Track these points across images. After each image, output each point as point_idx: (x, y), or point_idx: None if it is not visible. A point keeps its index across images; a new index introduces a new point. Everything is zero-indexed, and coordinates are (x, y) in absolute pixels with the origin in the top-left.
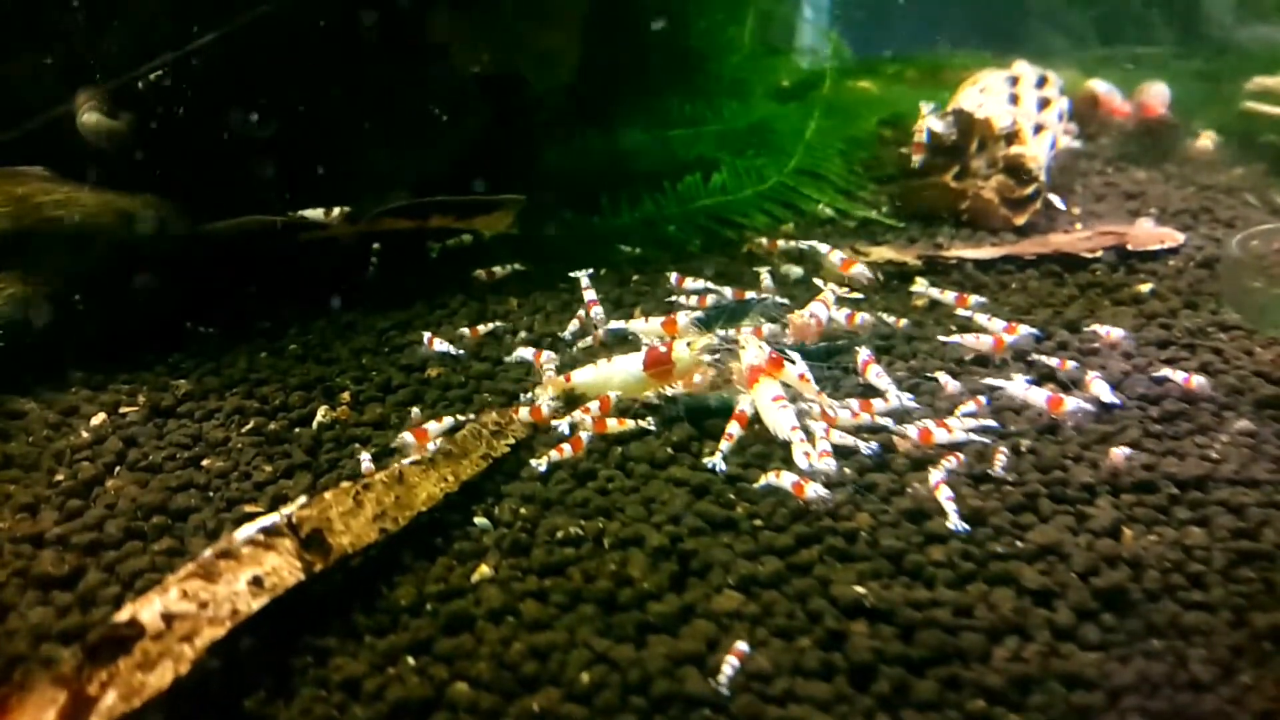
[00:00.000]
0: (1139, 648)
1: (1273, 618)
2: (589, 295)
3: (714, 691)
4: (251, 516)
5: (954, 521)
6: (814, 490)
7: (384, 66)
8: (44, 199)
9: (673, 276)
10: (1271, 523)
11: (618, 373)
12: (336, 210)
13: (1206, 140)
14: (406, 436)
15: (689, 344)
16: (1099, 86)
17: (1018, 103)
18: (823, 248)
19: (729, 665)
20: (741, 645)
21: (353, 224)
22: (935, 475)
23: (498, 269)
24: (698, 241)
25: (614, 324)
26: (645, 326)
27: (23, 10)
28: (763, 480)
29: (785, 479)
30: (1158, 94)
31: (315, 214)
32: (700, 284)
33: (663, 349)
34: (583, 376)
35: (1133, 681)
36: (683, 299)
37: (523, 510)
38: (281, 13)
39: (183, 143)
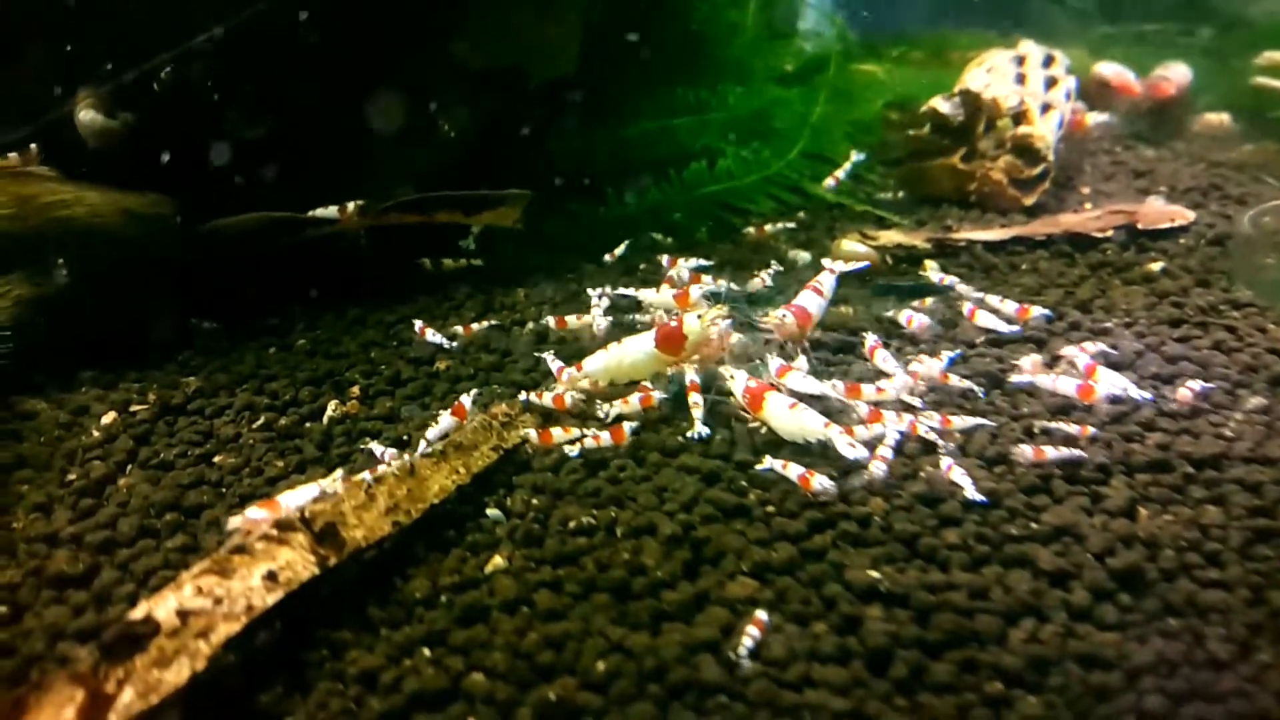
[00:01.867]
0: (1156, 627)
1: None
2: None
3: (731, 675)
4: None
5: (971, 493)
6: (820, 482)
7: (385, 61)
8: (50, 199)
9: (664, 259)
10: None
11: (629, 354)
12: (351, 205)
13: (1221, 115)
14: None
15: (699, 316)
16: (1106, 70)
17: (1024, 82)
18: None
19: (749, 637)
20: (761, 614)
21: (359, 219)
22: (945, 460)
23: (447, 261)
24: (704, 229)
25: (627, 290)
26: (657, 298)
27: (25, 9)
28: (765, 463)
29: (791, 470)
30: (1178, 74)
31: (329, 212)
32: (694, 263)
33: (673, 324)
34: (594, 364)
35: (1151, 661)
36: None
37: (535, 501)
38: (282, 9)
39: (184, 140)
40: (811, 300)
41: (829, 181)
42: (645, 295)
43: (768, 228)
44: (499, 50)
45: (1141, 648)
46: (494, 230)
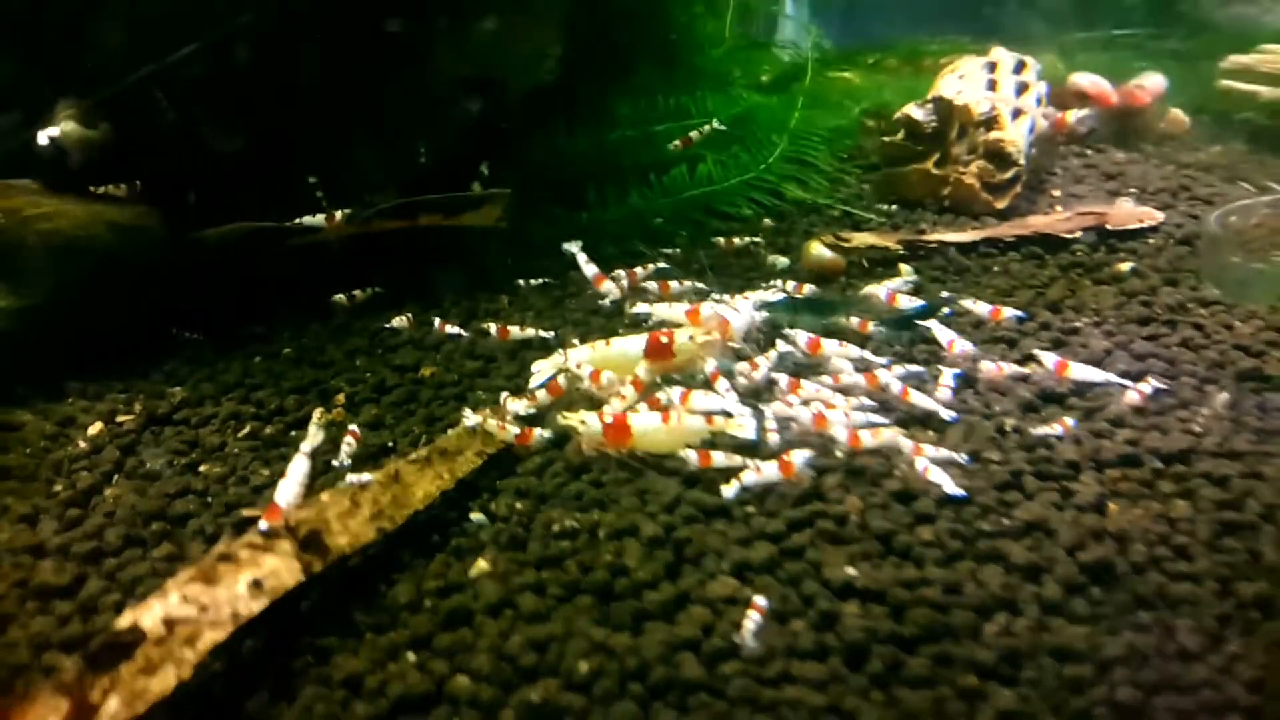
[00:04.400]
0: (1127, 620)
1: (1258, 586)
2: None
3: (711, 672)
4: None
5: (950, 489)
6: (800, 459)
7: (367, 69)
8: (33, 212)
9: (620, 273)
10: (1254, 493)
11: (614, 353)
12: (338, 214)
13: (1179, 113)
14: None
15: (691, 337)
16: (1082, 80)
17: (996, 88)
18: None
19: (751, 620)
20: (760, 600)
21: (345, 227)
22: (921, 460)
23: (358, 292)
24: (685, 234)
25: (640, 307)
26: (668, 312)
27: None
28: (742, 477)
29: (767, 470)
30: (1154, 83)
31: (315, 220)
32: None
33: (664, 339)
34: (578, 355)
35: (1122, 653)
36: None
37: (518, 505)
38: (264, 18)
39: (168, 150)
40: (732, 315)
41: (677, 143)
42: (659, 309)
43: (735, 240)
44: (480, 58)
45: (1113, 640)
46: (476, 235)
